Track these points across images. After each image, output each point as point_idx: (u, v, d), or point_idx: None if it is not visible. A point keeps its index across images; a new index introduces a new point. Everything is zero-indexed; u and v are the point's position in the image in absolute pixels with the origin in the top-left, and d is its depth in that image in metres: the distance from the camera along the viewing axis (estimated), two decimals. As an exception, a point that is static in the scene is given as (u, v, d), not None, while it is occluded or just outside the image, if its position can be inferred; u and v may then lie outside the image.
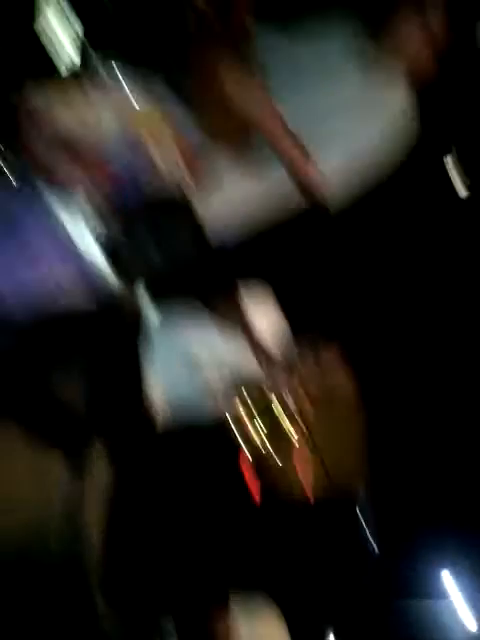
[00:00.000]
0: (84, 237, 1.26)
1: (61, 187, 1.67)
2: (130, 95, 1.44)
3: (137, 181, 1.51)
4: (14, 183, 1.41)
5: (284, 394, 1.82)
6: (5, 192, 1.30)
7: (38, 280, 1.22)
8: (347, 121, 1.60)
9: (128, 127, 1.49)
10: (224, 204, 1.69)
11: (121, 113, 1.46)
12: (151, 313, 1.60)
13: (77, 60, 1.53)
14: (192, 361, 1.65)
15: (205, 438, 1.84)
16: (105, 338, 1.61)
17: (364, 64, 1.66)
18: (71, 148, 1.56)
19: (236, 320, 1.62)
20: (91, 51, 1.49)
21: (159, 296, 1.41)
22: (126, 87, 1.44)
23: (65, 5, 1.62)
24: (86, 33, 1.56)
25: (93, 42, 1.52)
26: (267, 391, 1.79)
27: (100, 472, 1.83)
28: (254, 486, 2.02)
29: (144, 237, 1.26)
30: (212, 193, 1.61)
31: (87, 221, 1.27)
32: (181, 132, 1.48)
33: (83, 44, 1.54)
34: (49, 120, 1.49)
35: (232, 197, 1.69)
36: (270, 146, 1.58)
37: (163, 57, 1.51)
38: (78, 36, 1.57)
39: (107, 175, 1.63)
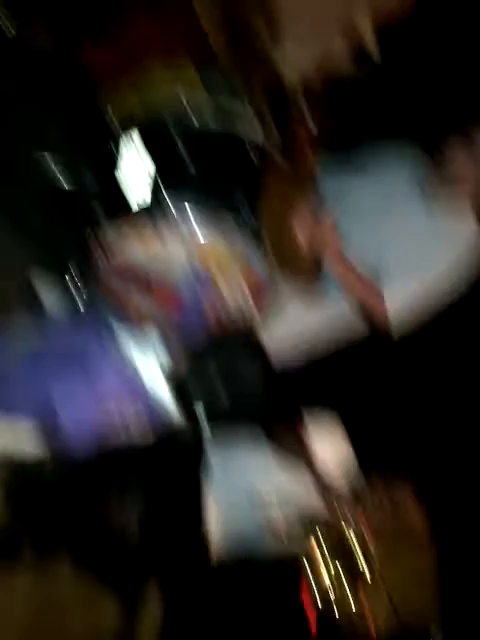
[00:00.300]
0: (151, 371, 1.26)
1: (131, 318, 1.72)
2: (199, 231, 1.49)
3: (204, 313, 1.53)
4: (85, 314, 1.45)
5: (350, 528, 1.72)
6: (76, 323, 1.33)
7: (102, 412, 1.22)
8: (412, 252, 1.61)
9: (197, 261, 1.53)
10: (288, 332, 1.69)
11: (190, 247, 1.50)
12: (213, 446, 1.57)
13: (149, 197, 1.60)
14: (253, 495, 1.59)
15: (265, 575, 1.74)
16: (164, 472, 1.58)
17: (428, 194, 1.68)
18: (142, 280, 1.61)
19: (300, 452, 1.56)
20: (163, 188, 1.57)
21: (222, 428, 1.38)
22: (195, 223, 1.50)
23: (139, 145, 1.73)
24: (158, 171, 1.65)
25: (165, 180, 1.60)
26: (332, 526, 1.69)
27: (154, 608, 1.74)
28: (314, 622, 1.89)
29: (210, 371, 1.26)
30: (276, 321, 1.62)
31: (155, 356, 1.28)
32: (249, 265, 1.50)
33: (155, 182, 1.63)
34: (121, 253, 1.55)
35: (296, 325, 1.70)
36: (335, 277, 1.59)
37: (232, 193, 1.58)
38: (150, 174, 1.66)
39: (176, 306, 1.67)
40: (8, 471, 1.87)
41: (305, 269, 1.53)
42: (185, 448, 1.54)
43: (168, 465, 1.69)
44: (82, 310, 1.66)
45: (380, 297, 1.58)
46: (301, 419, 1.64)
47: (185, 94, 2.37)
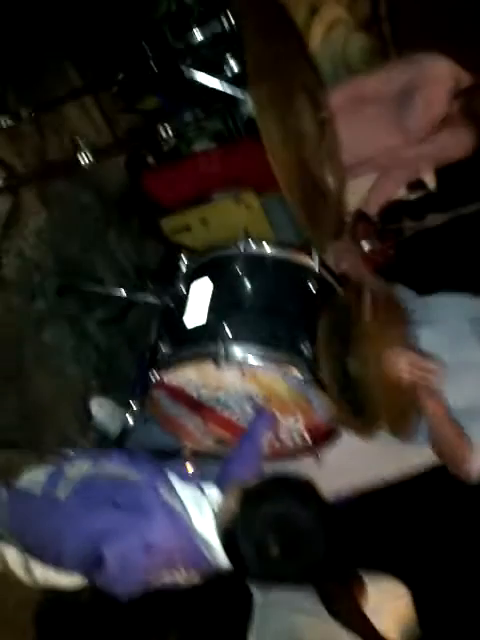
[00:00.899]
0: (201, 515, 1.21)
1: (184, 444, 1.70)
2: (257, 363, 1.48)
3: (260, 446, 1.49)
4: (139, 447, 1.43)
5: None
6: (131, 456, 1.30)
7: (148, 553, 1.16)
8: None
9: (255, 395, 1.52)
10: (342, 474, 1.63)
11: (248, 380, 1.49)
12: (259, 595, 1.47)
13: (207, 325, 1.62)
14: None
15: None
16: (207, 616, 1.48)
17: None
18: (198, 406, 1.60)
19: (353, 617, 1.43)
20: (223, 318, 1.57)
21: (271, 580, 1.29)
22: (254, 355, 1.49)
23: (200, 274, 1.79)
24: (217, 300, 1.68)
25: (225, 309, 1.62)
26: None
27: None
28: None
29: (262, 517, 1.19)
30: (331, 463, 1.57)
31: (206, 498, 1.23)
32: (308, 402, 1.48)
33: (214, 311, 1.65)
34: (179, 379, 1.55)
35: (354, 462, 1.64)
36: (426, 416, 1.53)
37: (292, 326, 1.58)
38: (209, 303, 1.69)
39: (232, 433, 1.65)
40: (42, 596, 1.81)
41: (367, 406, 1.48)
42: (230, 594, 1.45)
43: (212, 609, 1.59)
44: (136, 438, 1.66)
45: (467, 443, 1.51)
46: (358, 577, 1.53)
47: (247, 224, 2.49)
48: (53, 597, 1.74)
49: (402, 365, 1.48)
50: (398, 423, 1.51)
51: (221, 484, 1.29)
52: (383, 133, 2.13)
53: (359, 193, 2.27)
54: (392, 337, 1.55)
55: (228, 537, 1.18)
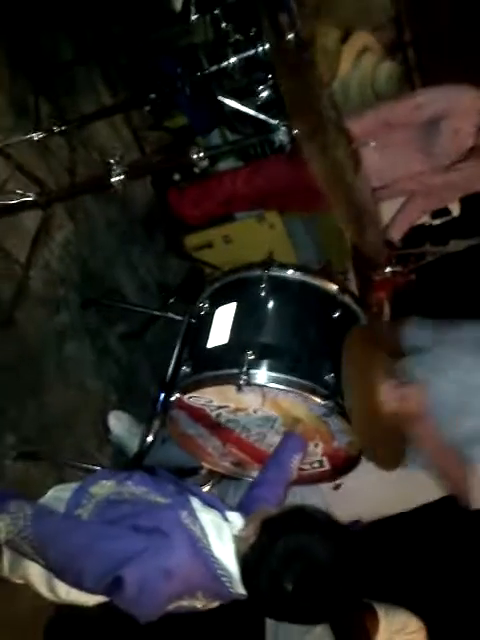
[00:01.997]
0: (222, 545, 1.20)
1: (199, 459, 1.71)
2: (279, 388, 1.48)
3: (287, 469, 1.47)
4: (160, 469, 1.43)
5: None
6: (154, 486, 1.30)
7: (167, 578, 1.16)
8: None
9: (277, 420, 1.53)
10: (360, 498, 1.62)
11: (269, 404, 1.50)
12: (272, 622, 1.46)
13: (230, 343, 1.63)
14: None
15: None
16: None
17: None
18: (217, 427, 1.61)
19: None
20: (245, 347, 1.57)
21: (282, 616, 1.27)
22: (275, 380, 1.49)
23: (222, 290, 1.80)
24: (240, 317, 1.68)
25: (247, 327, 1.63)
26: None
27: None
28: None
29: (281, 547, 1.18)
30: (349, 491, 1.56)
31: (229, 528, 1.22)
32: (332, 434, 1.48)
33: (237, 327, 1.66)
34: (199, 400, 1.56)
35: (369, 490, 1.63)
36: (419, 444, 1.53)
37: (314, 347, 1.58)
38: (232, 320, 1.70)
39: (250, 453, 1.65)
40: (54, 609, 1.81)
41: (388, 436, 1.48)
42: (244, 617, 1.43)
43: (224, 631, 1.58)
44: (154, 456, 1.67)
45: (463, 468, 1.50)
46: (371, 609, 1.51)
47: (269, 243, 2.50)
48: (64, 612, 1.74)
49: (386, 395, 1.47)
50: (383, 456, 1.50)
51: (245, 508, 1.28)
52: (410, 159, 2.14)
53: (384, 218, 2.28)
54: (375, 369, 1.54)
55: (246, 566, 1.17)
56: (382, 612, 1.58)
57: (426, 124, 2.04)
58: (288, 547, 1.12)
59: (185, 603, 1.21)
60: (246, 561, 1.15)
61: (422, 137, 2.06)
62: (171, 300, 2.31)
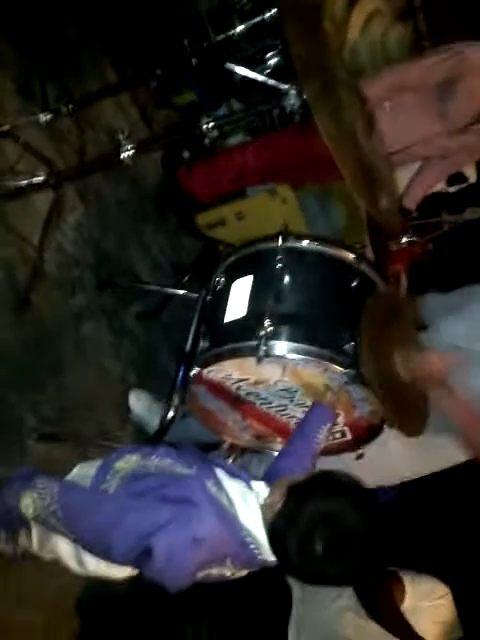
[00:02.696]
0: (249, 513, 1.20)
1: (219, 433, 1.71)
2: (299, 359, 1.46)
3: (313, 440, 1.46)
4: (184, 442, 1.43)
5: None
6: (179, 458, 1.30)
7: (196, 548, 1.16)
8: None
9: (297, 390, 1.52)
10: (386, 466, 1.61)
11: (289, 376, 1.49)
12: (298, 589, 1.47)
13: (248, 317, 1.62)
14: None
15: None
16: (248, 609, 1.48)
17: None
18: (238, 400, 1.61)
19: (390, 615, 1.41)
20: (264, 319, 1.56)
21: (312, 580, 1.28)
22: (296, 351, 1.48)
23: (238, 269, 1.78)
24: (258, 293, 1.67)
25: (265, 298, 1.62)
26: None
27: None
28: None
29: (308, 514, 1.18)
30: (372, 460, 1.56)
31: (255, 497, 1.22)
32: (354, 404, 1.46)
33: (254, 303, 1.65)
34: (219, 374, 1.56)
35: (394, 460, 1.62)
36: (441, 409, 1.51)
37: (332, 320, 1.57)
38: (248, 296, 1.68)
39: (271, 426, 1.65)
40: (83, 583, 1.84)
41: (410, 402, 1.47)
42: (272, 587, 1.44)
43: (252, 602, 1.59)
44: (175, 432, 1.67)
45: None
46: (396, 576, 1.51)
47: (282, 218, 2.47)
48: (94, 585, 1.76)
49: (407, 361, 1.45)
50: (406, 422, 1.48)
51: (270, 478, 1.28)
52: (423, 122, 2.09)
53: (399, 185, 2.23)
54: (396, 336, 1.52)
55: (274, 532, 1.17)
56: (408, 579, 1.58)
57: (441, 85, 1.99)
58: (316, 511, 1.12)
59: (214, 571, 1.21)
60: (274, 527, 1.16)
61: (435, 99, 2.01)
62: (186, 278, 2.30)
